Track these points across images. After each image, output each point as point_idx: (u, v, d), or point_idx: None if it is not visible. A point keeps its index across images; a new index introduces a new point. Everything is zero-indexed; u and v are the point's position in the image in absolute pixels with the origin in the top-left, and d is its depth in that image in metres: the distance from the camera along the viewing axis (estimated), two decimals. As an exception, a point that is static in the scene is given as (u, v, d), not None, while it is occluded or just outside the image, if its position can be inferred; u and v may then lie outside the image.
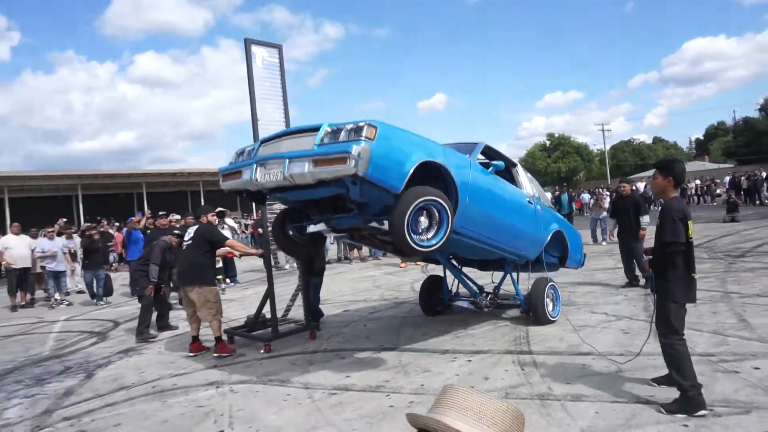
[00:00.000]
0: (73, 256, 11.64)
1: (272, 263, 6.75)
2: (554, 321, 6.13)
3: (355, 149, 3.84)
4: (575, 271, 9.63)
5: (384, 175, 4.07)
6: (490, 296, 6.39)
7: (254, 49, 6.26)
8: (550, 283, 6.29)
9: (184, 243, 6.13)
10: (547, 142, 63.28)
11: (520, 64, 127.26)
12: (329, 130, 4.20)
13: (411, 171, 4.20)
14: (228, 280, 11.42)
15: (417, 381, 4.49)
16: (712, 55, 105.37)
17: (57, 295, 10.70)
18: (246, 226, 17.07)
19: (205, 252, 5.94)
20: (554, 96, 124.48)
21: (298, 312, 6.65)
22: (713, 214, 19.84)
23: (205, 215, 6.27)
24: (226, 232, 11.01)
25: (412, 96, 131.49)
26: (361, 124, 4.05)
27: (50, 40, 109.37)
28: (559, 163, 59.31)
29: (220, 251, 6.40)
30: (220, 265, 9.98)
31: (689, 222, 3.61)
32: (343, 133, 4.10)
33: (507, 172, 6.20)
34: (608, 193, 23.11)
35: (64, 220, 20.85)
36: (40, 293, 11.45)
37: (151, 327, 7.19)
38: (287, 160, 4.18)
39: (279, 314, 6.32)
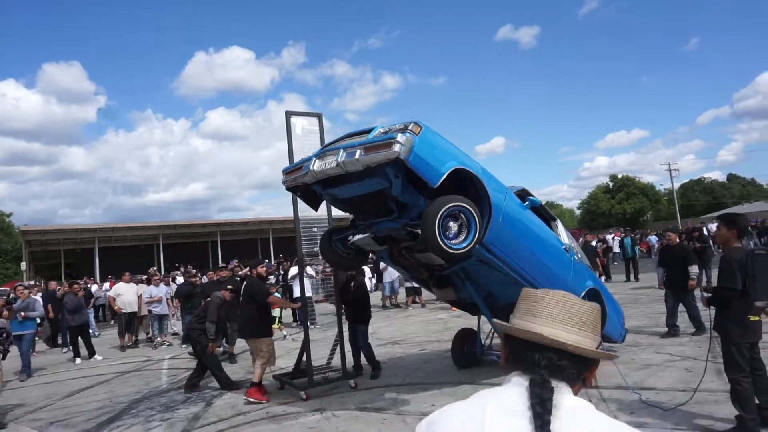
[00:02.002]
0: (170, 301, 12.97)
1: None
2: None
3: (400, 137, 4.52)
4: (641, 313, 9.90)
5: (424, 167, 4.61)
6: None
7: (294, 119, 6.85)
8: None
9: (241, 297, 6.65)
10: (611, 183, 62.12)
11: (579, 104, 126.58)
12: (381, 130, 4.88)
13: (448, 172, 4.72)
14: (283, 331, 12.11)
15: (495, 410, 5.10)
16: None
17: (159, 337, 12.00)
18: (321, 272, 18.12)
19: (255, 306, 6.46)
20: (617, 135, 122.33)
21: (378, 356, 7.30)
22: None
23: (255, 268, 6.88)
24: (306, 280, 12.07)
25: (471, 140, 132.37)
26: (409, 122, 4.74)
27: (132, 101, 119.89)
28: (624, 204, 57.96)
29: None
30: (276, 313, 10.65)
31: None
32: (392, 132, 4.76)
33: (546, 223, 6.46)
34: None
35: (154, 268, 22.82)
36: (141, 335, 12.81)
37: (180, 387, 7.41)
38: (342, 150, 4.87)
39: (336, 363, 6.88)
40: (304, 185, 5.60)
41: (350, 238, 5.89)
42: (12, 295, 14.31)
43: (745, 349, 4.06)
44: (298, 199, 6.59)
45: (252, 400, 6.18)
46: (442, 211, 4.63)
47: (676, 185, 57.17)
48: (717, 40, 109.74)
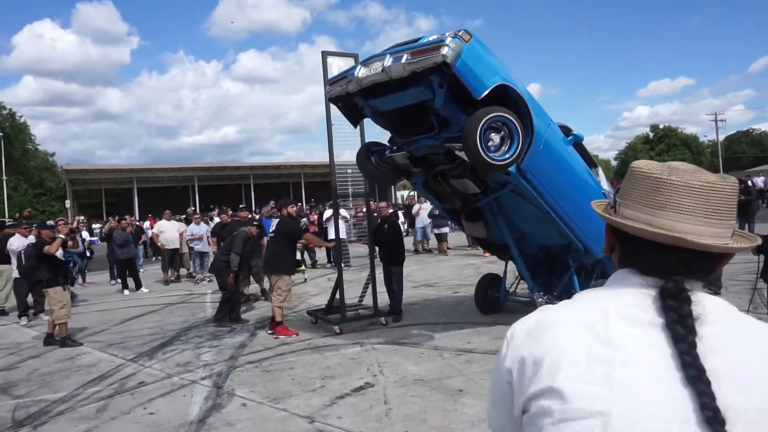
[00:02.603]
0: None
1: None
2: None
3: (449, 40, 4.46)
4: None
5: (470, 77, 4.49)
6: (548, 297, 6.06)
7: (330, 59, 6.79)
8: None
9: (269, 234, 6.80)
10: (651, 134, 60.00)
11: (621, 49, 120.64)
12: (430, 39, 4.78)
13: (494, 85, 4.58)
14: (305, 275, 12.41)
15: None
16: None
17: (200, 273, 12.53)
18: (353, 216, 18.40)
19: (284, 244, 6.69)
20: (660, 83, 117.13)
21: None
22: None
23: (285, 207, 7.05)
24: (340, 222, 12.28)
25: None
26: (459, 30, 4.64)
27: (164, 43, 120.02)
28: (664, 156, 56.11)
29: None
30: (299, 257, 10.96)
31: None
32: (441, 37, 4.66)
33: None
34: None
35: (192, 208, 23.49)
36: (182, 270, 13.39)
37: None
38: (388, 55, 4.82)
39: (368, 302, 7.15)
40: (347, 95, 5.53)
41: (388, 152, 5.89)
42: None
43: None
44: (333, 132, 6.70)
45: (282, 336, 6.45)
46: (484, 121, 4.54)
47: (722, 137, 54.93)
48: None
